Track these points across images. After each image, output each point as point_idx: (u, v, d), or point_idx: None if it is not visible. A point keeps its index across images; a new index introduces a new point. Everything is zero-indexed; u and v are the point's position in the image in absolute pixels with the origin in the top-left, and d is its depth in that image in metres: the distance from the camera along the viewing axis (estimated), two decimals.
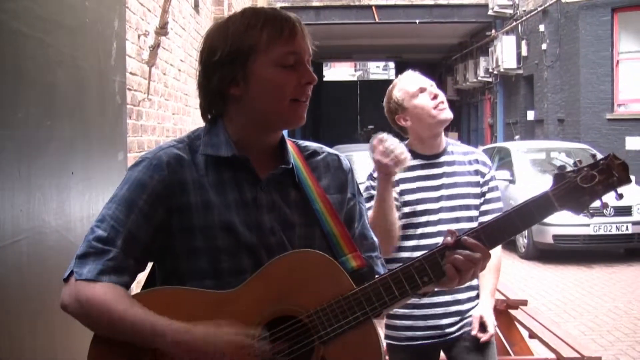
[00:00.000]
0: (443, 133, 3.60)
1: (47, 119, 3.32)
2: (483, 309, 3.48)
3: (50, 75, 3.39)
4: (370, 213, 3.34)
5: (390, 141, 3.12)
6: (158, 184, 1.93)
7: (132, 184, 1.95)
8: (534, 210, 1.95)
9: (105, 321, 1.86)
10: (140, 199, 1.92)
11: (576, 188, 1.95)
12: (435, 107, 3.46)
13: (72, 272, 1.91)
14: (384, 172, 3.17)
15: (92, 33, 3.99)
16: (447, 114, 3.48)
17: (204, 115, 2.08)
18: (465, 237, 1.95)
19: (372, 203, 3.37)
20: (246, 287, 1.90)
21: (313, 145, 2.20)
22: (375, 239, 2.21)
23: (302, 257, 1.94)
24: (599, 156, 2.02)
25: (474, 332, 3.43)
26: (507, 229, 1.97)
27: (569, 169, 1.96)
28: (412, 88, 3.48)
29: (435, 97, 3.47)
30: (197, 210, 1.93)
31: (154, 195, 1.93)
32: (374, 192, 3.35)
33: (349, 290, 1.91)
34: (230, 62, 1.96)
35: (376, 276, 1.97)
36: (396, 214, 3.33)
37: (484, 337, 3.43)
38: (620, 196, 1.94)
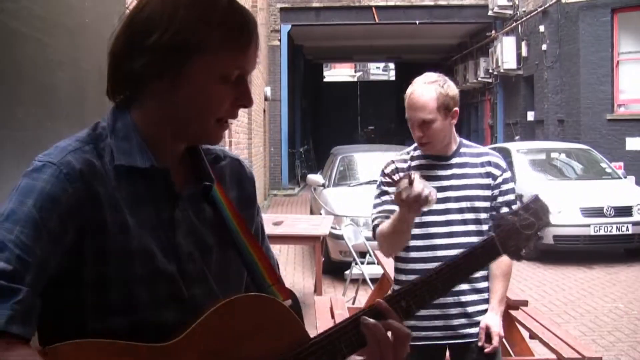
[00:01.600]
0: (455, 134, 3.58)
1: (47, 119, 3.31)
2: (490, 318, 3.46)
3: (50, 75, 3.38)
4: (384, 227, 3.37)
5: (414, 190, 3.00)
6: (71, 198, 1.49)
7: (39, 199, 1.47)
8: (479, 257, 1.79)
9: None
10: (50, 219, 1.46)
11: (517, 232, 1.85)
12: (418, 142, 3.49)
13: None
14: (410, 211, 3.14)
15: (92, 33, 3.98)
16: (428, 151, 3.50)
17: (109, 95, 1.70)
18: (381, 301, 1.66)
19: (382, 201, 3.41)
20: (181, 342, 1.51)
21: (215, 148, 1.80)
22: (275, 257, 1.85)
23: (250, 303, 1.59)
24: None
25: (480, 343, 3.41)
26: (443, 285, 1.73)
27: (503, 210, 1.94)
28: (409, 111, 3.47)
29: (415, 136, 3.47)
30: (113, 231, 1.52)
31: (66, 213, 1.48)
32: (384, 188, 3.44)
33: (304, 339, 1.60)
34: (166, 52, 1.55)
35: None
36: (410, 233, 3.35)
37: (487, 349, 3.41)
38: (540, 238, 1.90)
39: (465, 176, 3.49)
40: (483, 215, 3.44)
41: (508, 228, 1.85)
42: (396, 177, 3.14)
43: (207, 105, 1.60)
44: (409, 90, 3.46)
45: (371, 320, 1.61)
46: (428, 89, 3.40)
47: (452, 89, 3.47)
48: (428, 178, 3.42)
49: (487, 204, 3.46)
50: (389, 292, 2.05)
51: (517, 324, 5.59)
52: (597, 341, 7.84)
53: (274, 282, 1.70)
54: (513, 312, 5.58)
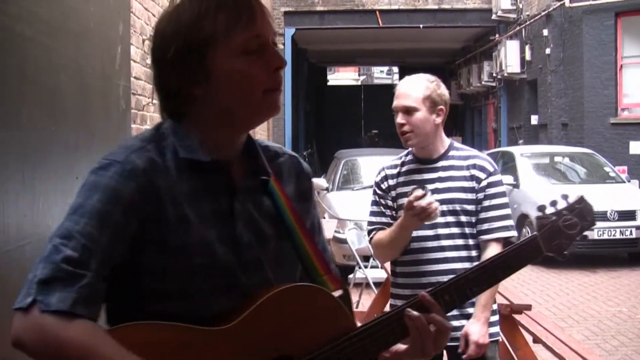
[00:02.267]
0: (443, 137, 3.59)
1: (51, 123, 3.32)
2: (471, 325, 3.41)
3: (55, 79, 3.39)
4: (382, 236, 3.42)
5: (427, 199, 3.19)
6: (134, 193, 1.61)
7: (104, 194, 1.60)
8: (522, 255, 1.87)
9: None
10: (114, 212, 1.59)
11: (560, 232, 1.92)
12: (401, 132, 3.51)
13: (34, 302, 1.50)
14: (413, 223, 3.28)
15: (97, 37, 3.99)
16: (412, 146, 3.54)
17: (163, 115, 1.81)
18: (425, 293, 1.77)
19: (378, 211, 3.46)
20: (236, 325, 1.63)
21: (273, 145, 1.93)
22: (330, 250, 2.00)
23: (301, 292, 1.71)
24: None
25: (460, 349, 3.40)
26: (485, 280, 1.84)
27: (548, 210, 1.94)
28: (394, 100, 3.52)
29: (397, 121, 3.51)
30: (173, 225, 1.64)
31: (129, 206, 1.61)
32: (376, 199, 3.52)
33: (351, 328, 1.72)
34: (185, 58, 1.68)
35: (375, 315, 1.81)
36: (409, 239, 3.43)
37: (465, 356, 3.40)
38: (584, 237, 1.96)
39: (450, 179, 3.50)
40: (464, 219, 3.46)
41: (551, 228, 1.91)
42: (386, 184, 3.35)
43: (243, 82, 1.69)
44: (398, 84, 3.58)
45: (414, 312, 1.73)
46: (415, 81, 3.51)
47: (442, 89, 3.53)
48: (414, 181, 3.47)
49: (471, 207, 3.47)
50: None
51: (520, 328, 5.58)
52: (600, 345, 7.83)
53: (325, 272, 1.81)
54: (516, 317, 5.56)
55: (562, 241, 1.92)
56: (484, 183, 3.48)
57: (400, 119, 3.47)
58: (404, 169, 3.55)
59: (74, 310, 1.50)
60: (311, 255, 1.81)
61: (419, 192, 3.19)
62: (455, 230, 3.44)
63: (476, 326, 3.39)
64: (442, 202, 3.42)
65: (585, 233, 1.96)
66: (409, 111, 3.43)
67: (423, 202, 3.16)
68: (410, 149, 3.57)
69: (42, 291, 1.51)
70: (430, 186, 3.45)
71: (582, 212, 1.94)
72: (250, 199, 1.77)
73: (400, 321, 1.74)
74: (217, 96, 1.71)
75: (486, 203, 3.46)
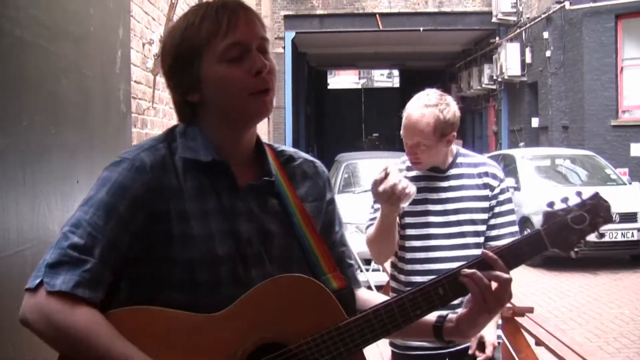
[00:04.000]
0: (452, 146, 3.52)
1: (51, 127, 3.31)
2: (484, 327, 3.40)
3: (55, 83, 3.39)
4: (371, 231, 3.39)
5: (388, 181, 3.05)
6: (141, 188, 1.76)
7: (112, 187, 1.76)
8: (525, 249, 1.89)
9: (81, 351, 1.67)
10: (121, 204, 1.74)
11: (567, 227, 1.91)
12: (411, 162, 3.44)
13: (41, 283, 1.68)
14: (388, 208, 3.16)
15: (97, 41, 3.99)
16: (419, 168, 3.44)
17: (179, 120, 1.96)
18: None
19: (376, 214, 3.38)
20: (230, 312, 1.75)
21: (289, 150, 2.05)
22: (350, 246, 2.10)
23: (292, 283, 1.79)
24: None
25: (470, 351, 3.37)
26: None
27: (557, 206, 1.93)
28: (404, 131, 3.39)
29: (408, 154, 3.42)
30: (176, 219, 1.77)
31: (135, 200, 1.75)
32: (376, 205, 3.37)
33: (340, 320, 1.79)
34: (177, 69, 1.85)
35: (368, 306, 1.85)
36: (396, 235, 3.37)
37: (479, 358, 3.37)
38: (601, 235, 1.94)
39: (463, 188, 3.43)
40: (481, 228, 3.39)
41: (556, 223, 1.91)
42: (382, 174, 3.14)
43: (228, 87, 1.81)
44: (407, 110, 3.38)
45: (469, 270, 1.82)
46: (426, 114, 3.32)
47: (452, 114, 3.37)
48: (425, 190, 3.39)
49: (484, 216, 3.40)
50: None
51: (522, 331, 5.57)
52: (603, 348, 7.82)
53: (330, 271, 1.90)
54: (519, 319, 5.56)
55: (569, 236, 1.91)
56: (496, 190, 3.43)
57: (411, 153, 3.39)
58: (410, 174, 3.44)
59: (75, 292, 1.67)
60: (317, 254, 1.91)
61: (380, 175, 3.07)
62: (470, 240, 3.34)
63: (489, 328, 3.38)
64: (458, 211, 3.38)
65: (592, 236, 1.93)
66: (419, 146, 3.34)
67: (387, 186, 3.04)
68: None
69: (49, 273, 1.68)
70: (443, 195, 3.40)
71: (595, 208, 1.92)
72: (255, 198, 1.87)
73: (453, 283, 1.82)
74: (211, 101, 1.85)
75: (497, 210, 3.42)
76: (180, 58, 1.83)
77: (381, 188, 3.07)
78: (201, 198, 1.81)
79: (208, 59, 1.81)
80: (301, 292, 1.79)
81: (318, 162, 2.09)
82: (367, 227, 3.49)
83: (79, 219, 1.74)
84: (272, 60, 1.88)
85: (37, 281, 1.68)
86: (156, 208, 1.76)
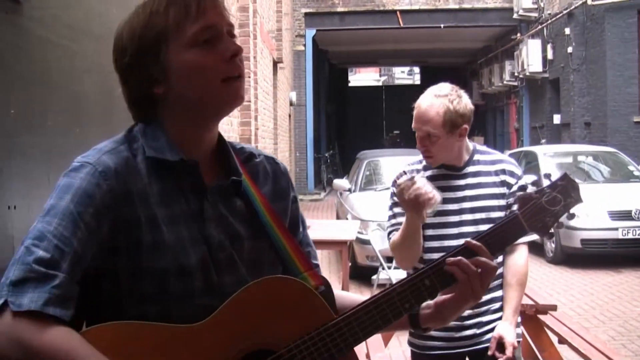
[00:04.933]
0: (467, 143, 3.48)
1: (75, 126, 3.34)
2: (503, 328, 3.36)
3: (79, 83, 3.41)
4: (395, 237, 3.35)
5: (414, 188, 3.02)
6: (106, 194, 1.60)
7: (76, 195, 1.59)
8: (505, 234, 1.88)
9: None
10: (86, 213, 1.58)
11: (542, 209, 1.92)
12: (422, 154, 3.41)
13: (5, 303, 1.49)
14: (413, 214, 3.13)
15: None
16: (431, 162, 3.41)
17: (136, 120, 1.80)
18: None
19: (397, 213, 3.37)
20: (212, 321, 1.63)
21: (248, 147, 1.93)
22: (314, 246, 2.01)
23: (274, 284, 1.69)
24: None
25: (490, 352, 3.35)
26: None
27: (529, 189, 1.95)
28: (414, 122, 3.37)
29: (418, 144, 3.38)
30: (145, 226, 1.63)
31: (101, 208, 1.59)
32: (396, 199, 3.33)
33: (328, 318, 1.71)
34: (141, 60, 1.69)
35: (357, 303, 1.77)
36: (421, 240, 3.31)
37: (501, 359, 3.35)
38: (571, 216, 1.95)
39: (480, 186, 3.40)
40: None
41: (532, 205, 1.91)
42: (402, 179, 3.12)
43: (199, 73, 1.69)
44: (418, 101, 3.37)
45: (454, 258, 1.78)
46: (435, 103, 3.30)
47: (464, 106, 3.32)
48: (442, 189, 3.34)
49: (501, 214, 3.36)
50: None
51: (545, 329, 5.56)
52: (626, 346, 7.77)
53: (306, 269, 1.80)
54: (541, 317, 5.54)
55: (545, 219, 1.92)
56: (514, 188, 3.38)
57: (421, 144, 3.36)
58: (427, 173, 3.40)
59: (45, 311, 1.49)
60: (290, 253, 1.82)
61: (404, 179, 3.05)
62: None
63: (510, 328, 3.36)
64: (475, 210, 3.36)
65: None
66: (429, 136, 3.32)
67: (412, 194, 3.01)
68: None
69: (14, 292, 1.50)
70: (460, 194, 3.38)
71: (566, 189, 1.93)
72: (221, 199, 1.76)
73: (438, 273, 1.78)
74: (178, 92, 1.70)
75: (514, 208, 3.40)
76: (144, 48, 1.69)
77: (406, 196, 3.04)
78: (168, 202, 1.68)
79: (176, 45, 1.69)
80: (284, 293, 1.70)
81: (278, 160, 1.98)
82: (390, 232, 3.46)
83: (42, 230, 1.56)
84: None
85: (0, 302, 1.49)
86: (123, 215, 1.62)
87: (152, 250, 1.63)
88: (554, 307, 5.62)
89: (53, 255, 1.53)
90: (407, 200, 3.05)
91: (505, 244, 1.90)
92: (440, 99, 3.31)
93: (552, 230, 1.94)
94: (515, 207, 3.31)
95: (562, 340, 5.34)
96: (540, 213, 1.91)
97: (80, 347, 1.51)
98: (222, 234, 1.73)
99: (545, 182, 1.95)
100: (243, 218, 1.78)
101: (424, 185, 3.03)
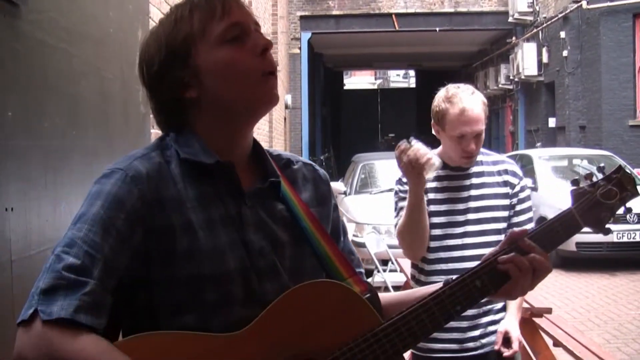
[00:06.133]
0: None
1: (72, 129, 3.34)
2: (509, 323, 3.40)
3: (75, 85, 3.41)
4: (401, 220, 3.34)
5: (413, 149, 3.07)
6: (138, 200, 1.57)
7: (107, 201, 1.56)
8: (559, 230, 1.81)
9: None
10: (118, 219, 1.55)
11: (597, 204, 1.83)
12: (463, 155, 3.37)
13: (35, 312, 1.45)
14: (414, 180, 3.14)
15: (116, 44, 4.01)
16: (470, 164, 3.41)
17: (166, 130, 1.77)
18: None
19: (402, 206, 3.35)
20: (252, 329, 1.57)
21: (286, 154, 1.90)
22: (357, 254, 1.96)
23: (317, 290, 1.64)
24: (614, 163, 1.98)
25: (496, 347, 3.37)
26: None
27: (582, 183, 1.88)
28: (463, 126, 3.30)
29: (469, 149, 3.33)
30: (180, 232, 1.59)
31: (133, 213, 1.56)
32: (403, 195, 3.33)
33: (375, 324, 1.64)
34: (170, 66, 1.67)
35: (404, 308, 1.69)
36: (427, 221, 3.30)
37: (506, 353, 3.37)
38: (629, 210, 1.87)
39: (484, 186, 3.43)
40: (502, 225, 3.39)
41: (586, 200, 1.84)
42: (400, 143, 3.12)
43: (233, 70, 1.66)
44: (457, 105, 3.31)
45: (507, 255, 1.73)
46: (476, 101, 3.33)
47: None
48: (447, 189, 3.39)
49: (506, 214, 3.41)
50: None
51: (540, 332, 5.57)
52: (621, 349, 7.79)
53: (350, 275, 1.75)
54: (537, 320, 5.56)
55: (601, 213, 1.84)
56: (517, 188, 3.44)
57: (472, 145, 3.33)
58: (433, 174, 3.35)
59: (76, 318, 1.45)
60: (333, 259, 1.76)
61: (404, 144, 3.07)
62: (492, 238, 3.30)
63: (515, 323, 3.40)
64: (479, 209, 3.38)
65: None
66: (479, 134, 3.33)
67: (412, 153, 3.04)
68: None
69: (44, 301, 1.46)
70: (464, 194, 3.40)
71: (621, 182, 1.86)
72: (260, 204, 1.71)
73: (491, 273, 1.73)
74: (211, 94, 1.68)
75: (518, 208, 3.42)
76: (172, 55, 1.67)
77: (405, 158, 3.05)
78: (205, 206, 1.63)
79: (204, 46, 1.66)
80: (327, 298, 1.63)
81: (317, 166, 1.94)
82: (396, 224, 3.42)
83: (72, 237, 1.53)
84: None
85: (31, 311, 1.46)
86: (156, 222, 1.58)
87: (187, 257, 1.58)
88: (549, 310, 5.64)
89: (83, 262, 1.50)
90: (407, 163, 3.06)
91: (558, 241, 1.83)
92: (475, 96, 3.37)
93: (608, 226, 1.86)
94: (522, 206, 3.37)
95: (557, 343, 5.34)
96: (595, 207, 1.84)
97: (111, 356, 1.47)
98: (262, 239, 1.68)
99: (598, 175, 1.89)
100: (284, 223, 1.73)
101: (422, 147, 3.06)
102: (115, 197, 1.57)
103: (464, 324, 3.38)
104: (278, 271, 1.68)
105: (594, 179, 1.88)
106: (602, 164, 1.93)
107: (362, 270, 1.90)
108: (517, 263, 1.72)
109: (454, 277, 1.76)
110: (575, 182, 1.89)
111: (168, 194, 1.61)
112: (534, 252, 1.74)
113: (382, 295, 1.83)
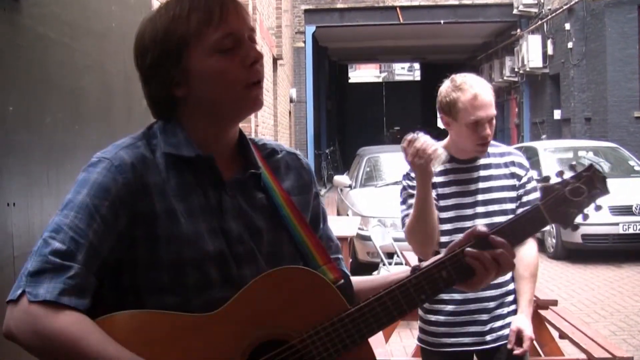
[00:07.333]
0: None
1: (74, 123, 3.33)
2: (521, 321, 3.38)
3: (78, 80, 3.41)
4: (409, 217, 3.29)
5: (419, 141, 3.04)
6: (122, 188, 1.65)
7: (92, 188, 1.65)
8: (526, 225, 1.85)
9: (71, 358, 1.56)
10: (102, 206, 1.63)
11: (565, 200, 1.86)
12: (479, 142, 3.33)
13: (23, 293, 1.57)
14: (421, 172, 3.11)
15: (118, 38, 4.01)
16: (484, 153, 3.40)
17: (156, 117, 1.85)
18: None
19: (411, 203, 3.31)
20: (226, 310, 1.66)
21: (271, 143, 1.98)
22: (337, 240, 2.03)
23: (288, 275, 1.72)
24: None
25: (509, 346, 3.35)
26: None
27: (552, 180, 1.90)
28: (478, 111, 3.27)
29: (485, 134, 3.31)
30: (162, 219, 1.67)
31: (117, 201, 1.65)
32: (412, 192, 3.29)
33: (342, 310, 1.72)
34: (163, 62, 1.74)
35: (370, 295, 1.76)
36: (436, 216, 3.25)
37: (517, 351, 3.35)
38: (599, 207, 1.89)
39: (491, 178, 3.41)
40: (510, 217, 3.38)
41: (555, 196, 1.86)
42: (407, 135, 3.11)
43: (221, 80, 1.73)
44: (469, 91, 3.28)
45: (474, 250, 1.78)
46: (486, 86, 3.33)
47: None
48: (455, 183, 3.36)
49: (513, 206, 3.39)
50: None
51: (546, 324, 5.55)
52: (627, 341, 7.77)
53: (325, 262, 1.83)
54: (542, 312, 5.54)
55: (568, 210, 1.87)
56: (524, 180, 3.42)
57: (488, 130, 3.31)
58: (439, 168, 3.31)
59: (60, 301, 1.56)
60: (310, 247, 1.84)
61: (410, 135, 3.05)
62: None
63: (527, 321, 3.37)
64: (487, 202, 3.37)
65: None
66: (492, 119, 3.32)
67: (418, 144, 3.02)
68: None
69: (31, 283, 1.57)
70: (472, 187, 3.37)
71: (591, 180, 1.88)
72: (241, 193, 1.80)
73: (456, 265, 1.77)
74: (198, 95, 1.75)
75: (524, 199, 3.38)
76: (165, 52, 1.73)
77: (412, 149, 3.03)
78: (186, 195, 1.72)
79: (197, 51, 1.72)
80: (298, 283, 1.72)
81: (301, 155, 2.02)
82: (404, 219, 3.38)
83: (59, 223, 1.62)
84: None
85: (19, 292, 1.57)
86: (140, 208, 1.67)
87: (169, 242, 1.67)
88: (554, 302, 5.62)
89: (69, 247, 1.59)
90: (414, 154, 3.03)
91: (525, 235, 1.86)
92: (484, 82, 3.38)
93: (575, 222, 1.88)
94: (528, 198, 3.35)
95: (563, 335, 5.33)
96: (562, 204, 1.86)
97: (93, 332, 1.57)
98: (241, 226, 1.77)
99: (569, 173, 1.90)
100: (263, 211, 1.82)
101: (428, 138, 3.05)
102: (100, 185, 1.65)
103: (484, 316, 3.37)
104: (256, 257, 1.77)
105: (565, 176, 1.90)
106: (573, 162, 1.93)
107: (340, 257, 1.98)
108: (483, 261, 1.77)
109: (423, 263, 1.82)
110: (546, 179, 1.92)
111: (152, 182, 1.69)
112: (502, 248, 1.78)
113: (357, 280, 1.92)
